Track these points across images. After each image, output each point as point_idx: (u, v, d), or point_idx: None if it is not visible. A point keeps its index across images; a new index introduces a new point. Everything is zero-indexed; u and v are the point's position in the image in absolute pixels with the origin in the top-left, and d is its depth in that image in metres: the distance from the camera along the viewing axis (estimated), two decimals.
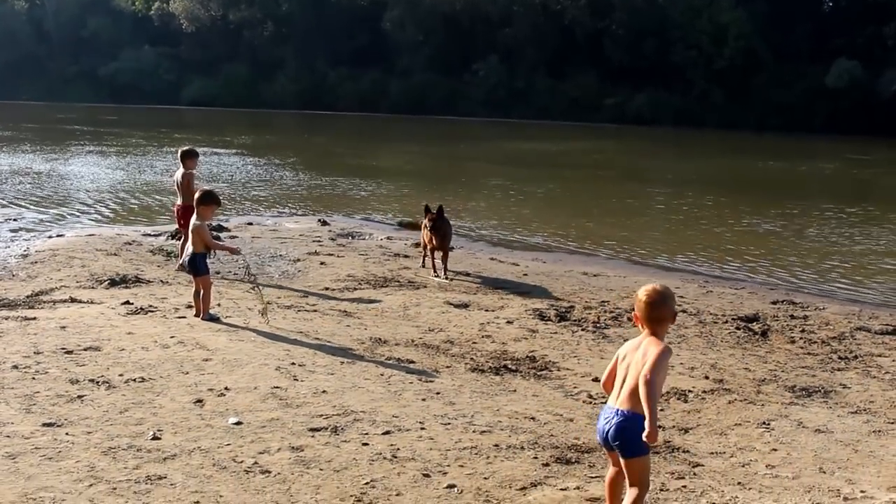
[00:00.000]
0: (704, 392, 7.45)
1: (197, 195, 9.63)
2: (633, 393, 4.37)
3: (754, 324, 10.29)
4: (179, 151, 12.82)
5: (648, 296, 4.49)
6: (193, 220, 9.50)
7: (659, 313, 4.48)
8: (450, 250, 13.22)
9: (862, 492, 5.33)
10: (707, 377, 7.96)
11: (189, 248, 9.51)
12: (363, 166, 33.08)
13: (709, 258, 15.94)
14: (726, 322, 10.33)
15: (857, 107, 63.86)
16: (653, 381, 4.28)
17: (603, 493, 4.88)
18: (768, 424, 6.64)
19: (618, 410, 4.45)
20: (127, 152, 37.04)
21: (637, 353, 4.48)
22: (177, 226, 13.37)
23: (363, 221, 19.35)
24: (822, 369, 8.47)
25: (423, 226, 13.07)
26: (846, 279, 14.38)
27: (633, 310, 4.60)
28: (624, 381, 4.48)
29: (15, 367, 7.10)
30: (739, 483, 5.45)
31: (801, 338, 9.72)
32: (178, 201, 12.53)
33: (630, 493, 4.50)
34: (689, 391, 7.44)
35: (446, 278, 12.63)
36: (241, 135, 50.98)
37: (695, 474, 5.55)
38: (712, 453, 6.00)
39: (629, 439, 4.37)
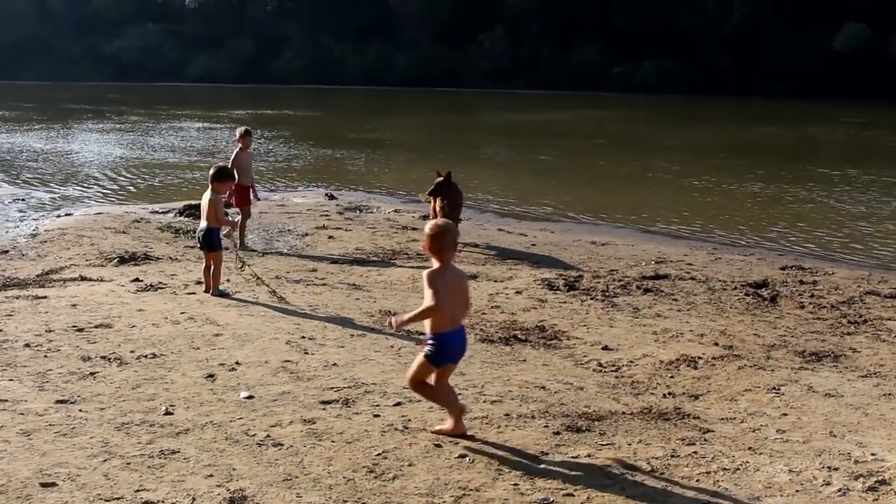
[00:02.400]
0: (714, 358, 7.45)
1: (212, 171, 9.61)
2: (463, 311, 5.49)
3: (763, 290, 10.28)
4: (239, 131, 13.02)
5: (432, 230, 5.33)
6: (208, 193, 9.47)
7: (446, 243, 5.31)
8: (459, 222, 13.16)
9: (872, 454, 5.34)
10: (717, 343, 7.96)
11: (203, 222, 9.49)
12: (370, 140, 33.05)
13: (717, 225, 15.91)
14: (735, 288, 10.32)
15: (865, 70, 63.42)
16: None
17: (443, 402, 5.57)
18: (778, 390, 6.64)
19: (462, 329, 5.40)
20: (132, 130, 37.07)
21: (456, 281, 5.37)
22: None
23: (370, 195, 19.35)
24: (832, 334, 8.47)
25: (426, 194, 12.97)
26: (855, 244, 14.35)
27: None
28: (455, 304, 5.32)
29: (27, 345, 7.14)
30: (750, 448, 5.46)
31: (810, 303, 9.71)
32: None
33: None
34: (699, 358, 7.44)
35: None
36: (246, 110, 50.95)
37: (705, 440, 5.56)
38: (723, 419, 6.01)
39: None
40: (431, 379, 5.48)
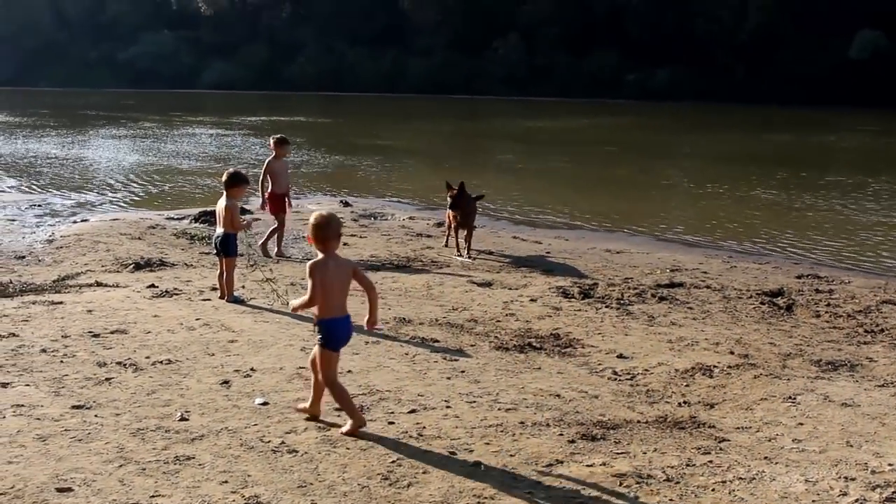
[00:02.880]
0: (730, 367, 7.42)
1: (225, 177, 9.60)
2: (345, 299, 5.73)
3: (779, 298, 10.24)
4: (272, 139, 12.84)
5: (317, 220, 5.63)
6: (224, 199, 9.48)
7: (328, 233, 5.63)
8: (473, 229, 13.19)
9: (890, 465, 5.30)
10: (732, 352, 7.93)
11: (219, 229, 9.50)
12: (384, 147, 33.10)
13: (732, 233, 15.86)
14: (751, 297, 10.29)
15: (881, 78, 63.08)
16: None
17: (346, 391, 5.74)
18: (794, 399, 6.61)
19: (348, 317, 5.73)
20: (146, 136, 37.24)
21: (338, 270, 5.66)
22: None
23: (385, 202, 19.37)
24: (848, 343, 8.43)
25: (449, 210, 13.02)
26: (871, 252, 14.29)
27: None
28: (340, 293, 5.67)
29: (43, 350, 7.17)
30: (766, 458, 5.43)
31: (826, 312, 9.67)
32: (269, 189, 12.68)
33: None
34: (715, 366, 7.42)
35: (469, 257, 12.62)
36: (260, 116, 51.11)
37: (721, 449, 5.54)
38: (738, 428, 5.98)
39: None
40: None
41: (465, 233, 12.93)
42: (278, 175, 12.59)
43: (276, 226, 12.68)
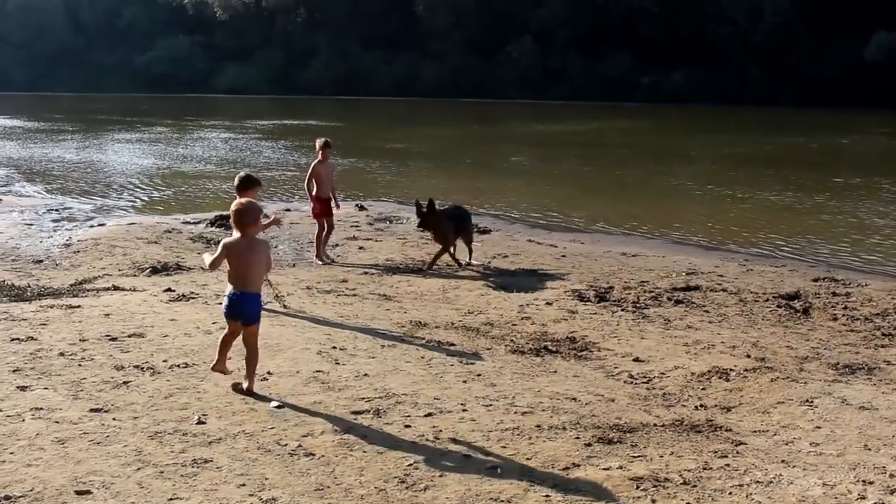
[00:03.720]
0: (746, 370, 7.40)
1: (237, 180, 9.58)
2: (256, 279, 6.47)
3: (796, 301, 10.20)
4: (318, 142, 12.84)
5: (237, 207, 6.53)
6: (237, 203, 9.45)
7: (246, 219, 6.44)
8: (471, 240, 12.83)
9: None
10: (749, 356, 7.90)
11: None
12: (399, 150, 33.16)
13: (748, 236, 15.79)
14: (767, 300, 10.25)
15: None
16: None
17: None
18: (811, 402, 6.59)
19: (243, 293, 6.35)
20: (161, 141, 37.41)
21: (250, 252, 6.40)
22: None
23: (400, 206, 19.38)
24: (866, 346, 8.39)
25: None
26: (888, 255, 14.20)
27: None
28: (246, 272, 6.38)
29: (61, 354, 7.22)
30: (783, 461, 5.42)
31: (843, 315, 9.62)
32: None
33: (248, 354, 6.48)
34: (731, 370, 7.40)
35: (468, 264, 12.41)
36: (272, 120, 51.25)
37: (738, 453, 5.53)
38: (755, 432, 5.97)
39: (255, 311, 6.48)
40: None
41: (465, 246, 12.65)
42: (323, 179, 12.64)
43: (318, 232, 12.69)
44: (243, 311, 6.41)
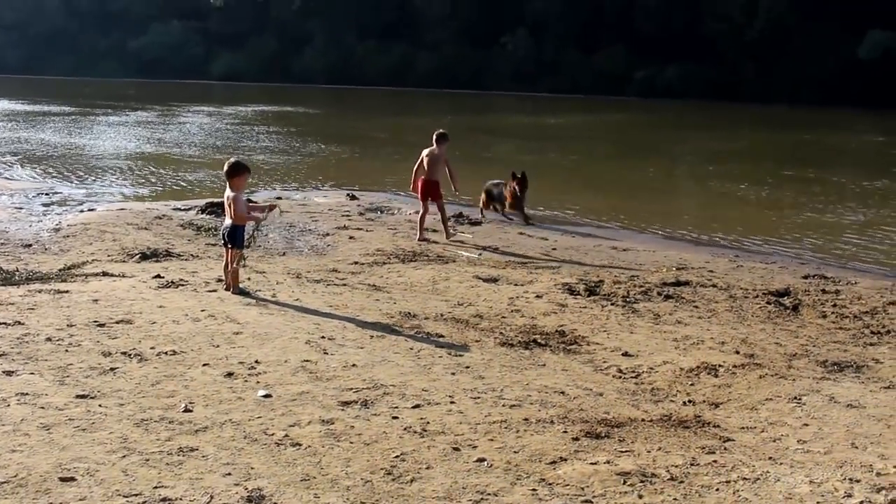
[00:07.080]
0: (735, 367, 7.40)
1: (226, 167, 9.56)
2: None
3: (785, 298, 10.21)
4: (436, 134, 14.40)
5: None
6: (228, 191, 9.46)
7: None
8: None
9: (895, 467, 5.29)
10: (737, 352, 7.91)
11: (227, 220, 9.48)
12: (391, 140, 33.09)
13: (739, 232, 15.78)
14: (757, 297, 10.25)
15: (891, 78, 62.74)
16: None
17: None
18: (800, 399, 6.59)
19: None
20: (153, 126, 37.29)
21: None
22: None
23: (392, 196, 19.35)
24: (854, 344, 8.40)
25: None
26: (879, 254, 14.22)
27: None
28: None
29: (48, 339, 7.18)
30: (771, 458, 5.42)
31: (832, 312, 9.63)
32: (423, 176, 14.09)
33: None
34: (720, 366, 7.40)
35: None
36: (264, 105, 51.12)
37: (725, 449, 5.53)
38: (743, 428, 5.97)
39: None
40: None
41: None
42: (433, 164, 13.98)
43: (423, 213, 14.00)
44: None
